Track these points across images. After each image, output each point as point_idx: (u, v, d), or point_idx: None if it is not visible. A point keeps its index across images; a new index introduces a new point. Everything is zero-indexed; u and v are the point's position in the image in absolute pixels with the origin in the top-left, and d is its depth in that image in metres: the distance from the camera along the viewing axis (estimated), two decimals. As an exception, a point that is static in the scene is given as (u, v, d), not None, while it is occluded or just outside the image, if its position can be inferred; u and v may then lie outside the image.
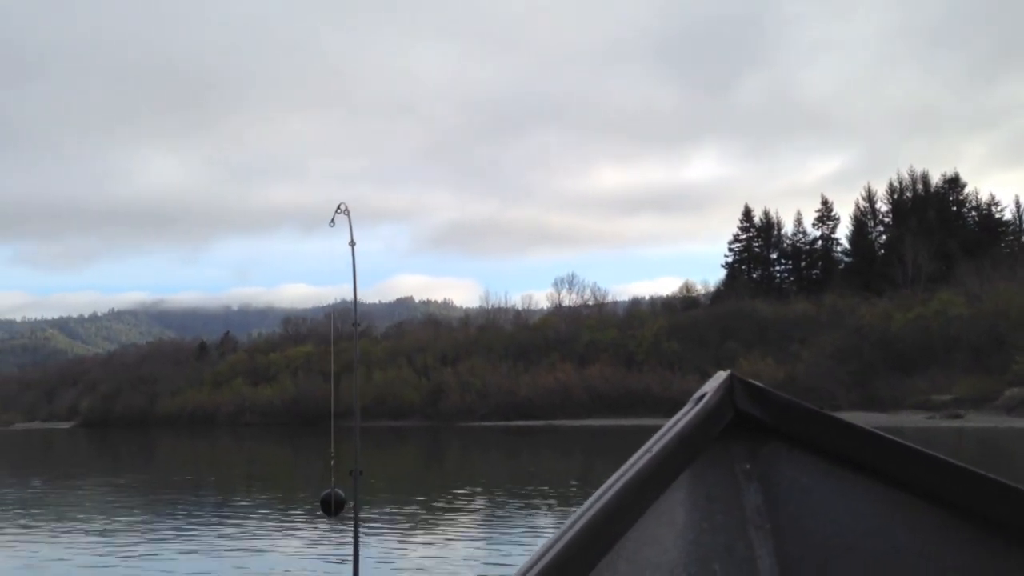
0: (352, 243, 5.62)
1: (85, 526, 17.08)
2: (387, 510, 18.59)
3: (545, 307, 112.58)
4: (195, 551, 13.83)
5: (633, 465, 1.22)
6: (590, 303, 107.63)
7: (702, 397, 1.31)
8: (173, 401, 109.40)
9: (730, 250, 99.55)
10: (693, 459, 1.25)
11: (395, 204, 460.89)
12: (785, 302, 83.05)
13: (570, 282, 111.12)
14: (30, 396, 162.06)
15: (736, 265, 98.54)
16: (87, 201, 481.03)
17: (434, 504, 20.35)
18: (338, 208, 5.51)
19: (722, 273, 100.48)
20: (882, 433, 1.26)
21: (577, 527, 1.13)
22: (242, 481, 29.97)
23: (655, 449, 1.23)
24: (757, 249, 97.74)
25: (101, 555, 13.68)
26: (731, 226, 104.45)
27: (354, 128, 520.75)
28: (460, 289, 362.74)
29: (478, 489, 23.64)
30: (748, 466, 1.28)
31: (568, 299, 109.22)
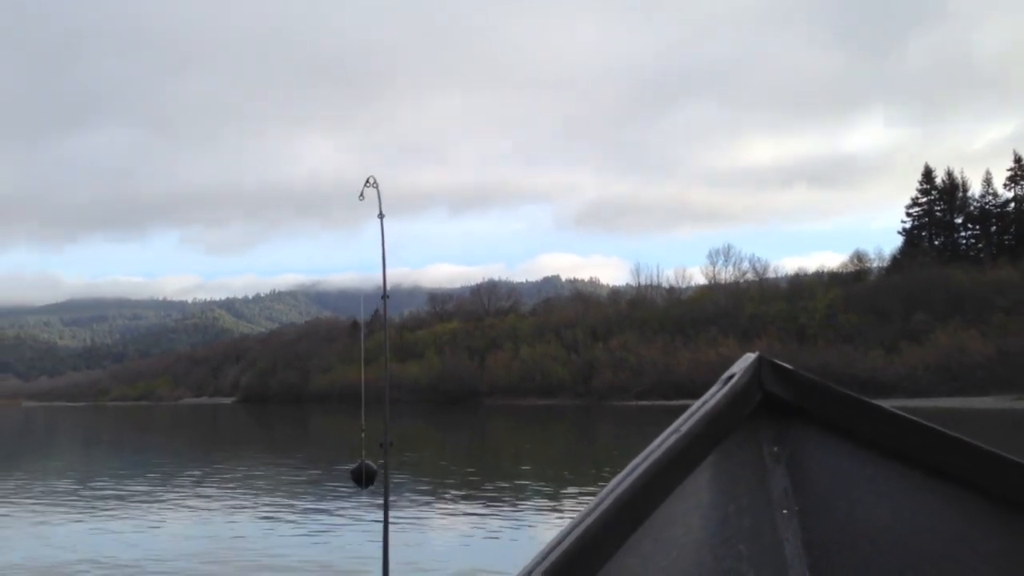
0: (381, 215, 5.55)
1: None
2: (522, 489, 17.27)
3: (698, 283, 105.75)
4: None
5: (661, 445, 1.22)
6: (749, 276, 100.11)
7: (730, 378, 1.30)
8: (325, 378, 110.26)
9: (908, 215, 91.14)
10: (721, 440, 1.25)
11: (540, 183, 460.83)
12: (979, 269, 73.52)
13: (726, 254, 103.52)
14: (198, 373, 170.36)
15: (915, 231, 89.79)
16: (249, 186, 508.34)
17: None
18: (367, 181, 5.46)
19: (894, 244, 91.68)
20: (912, 417, 1.25)
21: (604, 505, 1.14)
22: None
23: (683, 429, 1.22)
24: (939, 213, 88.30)
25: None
26: (895, 197, 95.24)
27: (500, 108, 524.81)
28: (606, 267, 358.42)
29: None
30: (776, 448, 1.28)
31: (725, 273, 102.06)
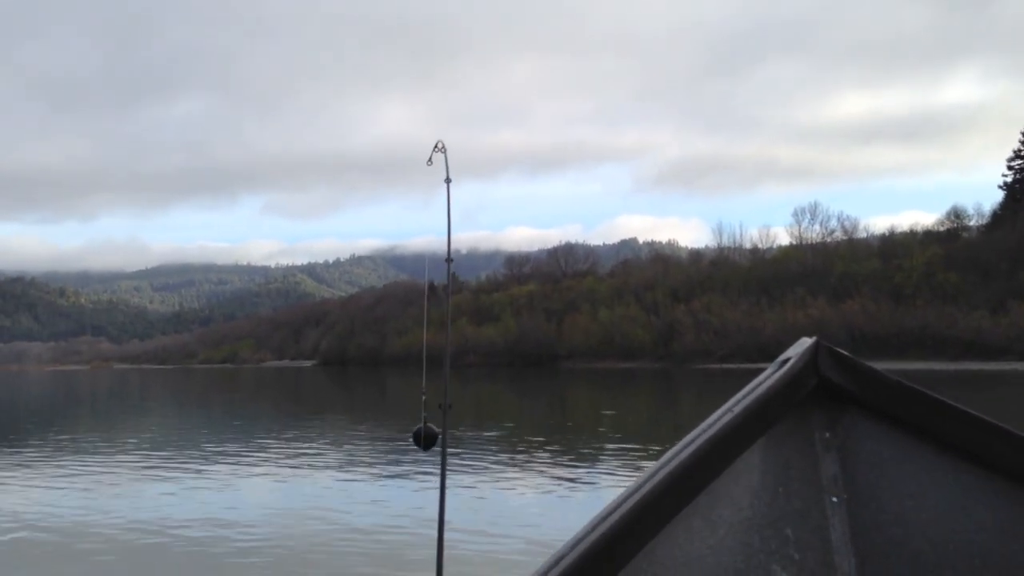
0: (448, 180, 5.32)
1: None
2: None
3: (783, 243, 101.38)
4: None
5: (713, 424, 1.22)
6: (837, 235, 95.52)
7: (786, 361, 1.30)
8: (401, 341, 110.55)
9: (1009, 168, 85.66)
10: (773, 423, 1.25)
11: (619, 144, 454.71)
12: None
13: (812, 213, 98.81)
14: (280, 336, 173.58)
15: (1017, 185, 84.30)
16: (329, 152, 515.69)
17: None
18: (435, 146, 5.19)
19: (992, 200, 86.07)
20: (970, 410, 1.23)
21: (655, 480, 1.15)
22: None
23: (736, 410, 1.23)
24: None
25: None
26: (992, 152, 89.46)
27: (580, 69, 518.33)
28: (685, 229, 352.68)
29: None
30: (827, 434, 1.28)
31: (811, 232, 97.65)
